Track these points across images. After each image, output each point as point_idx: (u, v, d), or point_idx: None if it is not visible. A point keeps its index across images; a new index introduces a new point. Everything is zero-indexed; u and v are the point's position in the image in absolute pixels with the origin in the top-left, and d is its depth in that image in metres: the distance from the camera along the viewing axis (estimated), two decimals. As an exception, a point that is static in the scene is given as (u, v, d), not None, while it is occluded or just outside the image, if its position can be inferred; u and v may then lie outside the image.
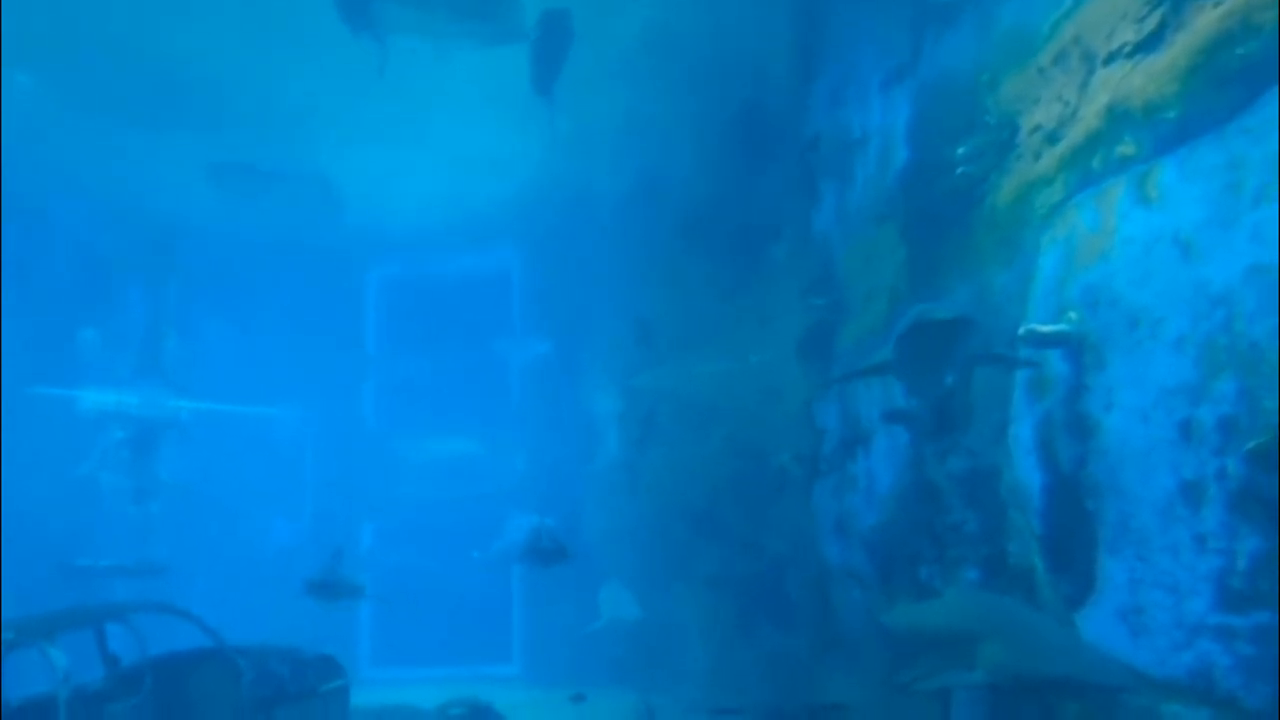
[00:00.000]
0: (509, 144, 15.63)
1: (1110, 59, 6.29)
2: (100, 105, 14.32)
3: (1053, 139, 6.90)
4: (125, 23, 12.50)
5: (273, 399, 19.83)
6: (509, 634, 18.57)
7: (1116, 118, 6.11)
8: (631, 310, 15.98)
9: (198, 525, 18.18)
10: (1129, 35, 6.08)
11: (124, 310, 18.79)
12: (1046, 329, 6.40)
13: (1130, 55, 6.06)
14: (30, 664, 7.94)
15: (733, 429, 13.29)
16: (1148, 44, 5.91)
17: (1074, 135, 6.62)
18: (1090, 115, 6.41)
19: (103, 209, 17.16)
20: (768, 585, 12.25)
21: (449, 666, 17.40)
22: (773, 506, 12.22)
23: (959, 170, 7.90)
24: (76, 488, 17.14)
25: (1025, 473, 6.83)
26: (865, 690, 9.12)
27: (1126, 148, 6.00)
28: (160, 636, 8.91)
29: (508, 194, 17.24)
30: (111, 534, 17.52)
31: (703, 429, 13.87)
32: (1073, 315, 6.32)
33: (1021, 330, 6.56)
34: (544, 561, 11.12)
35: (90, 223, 17.36)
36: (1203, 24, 5.45)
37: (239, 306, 19.21)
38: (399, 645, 18.64)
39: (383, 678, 17.71)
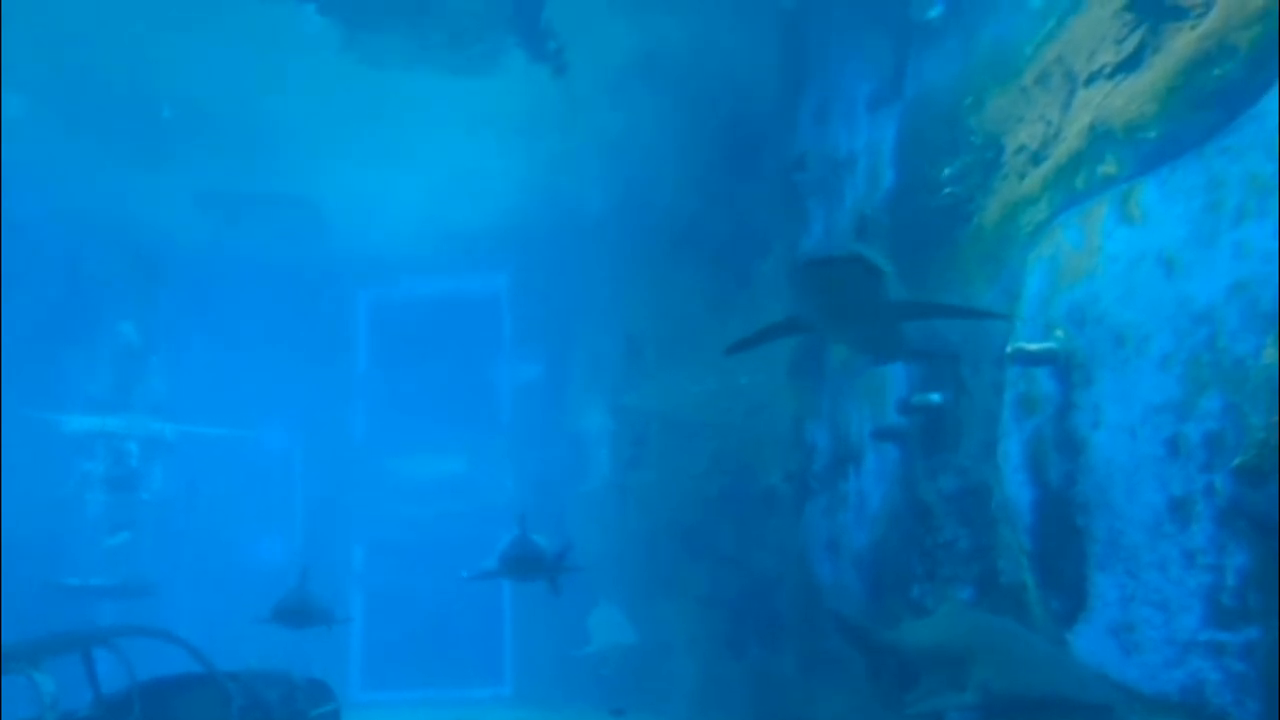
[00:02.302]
0: (497, 164, 15.70)
1: (1091, 80, 6.37)
2: (90, 129, 14.34)
3: (1037, 159, 6.97)
4: (115, 49, 12.54)
5: (263, 419, 19.76)
6: (500, 655, 18.48)
7: (1098, 137, 6.18)
8: (620, 329, 16.01)
9: (186, 546, 18.09)
10: (1109, 56, 6.16)
11: (111, 332, 18.73)
12: (1034, 347, 6.44)
13: (1111, 76, 6.14)
14: (17, 690, 7.87)
15: (722, 448, 13.30)
16: (1127, 65, 5.99)
17: (1058, 155, 6.69)
18: (1073, 135, 6.49)
19: (91, 231, 17.14)
20: (757, 604, 12.23)
21: (441, 689, 17.30)
22: (763, 525, 12.22)
23: (945, 190, 7.97)
24: (62, 508, 17.04)
25: (1015, 490, 6.86)
26: (855, 709, 9.09)
27: (1109, 167, 6.07)
28: (148, 661, 8.83)
29: (496, 214, 17.28)
30: (99, 554, 17.40)
31: (692, 448, 13.87)
32: (1059, 333, 6.36)
33: (1009, 348, 6.61)
34: (523, 573, 10.53)
35: (78, 245, 17.34)
36: (1180, 45, 5.52)
37: (229, 328, 19.16)
38: (390, 668, 18.52)
39: (374, 701, 17.58)
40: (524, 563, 10.36)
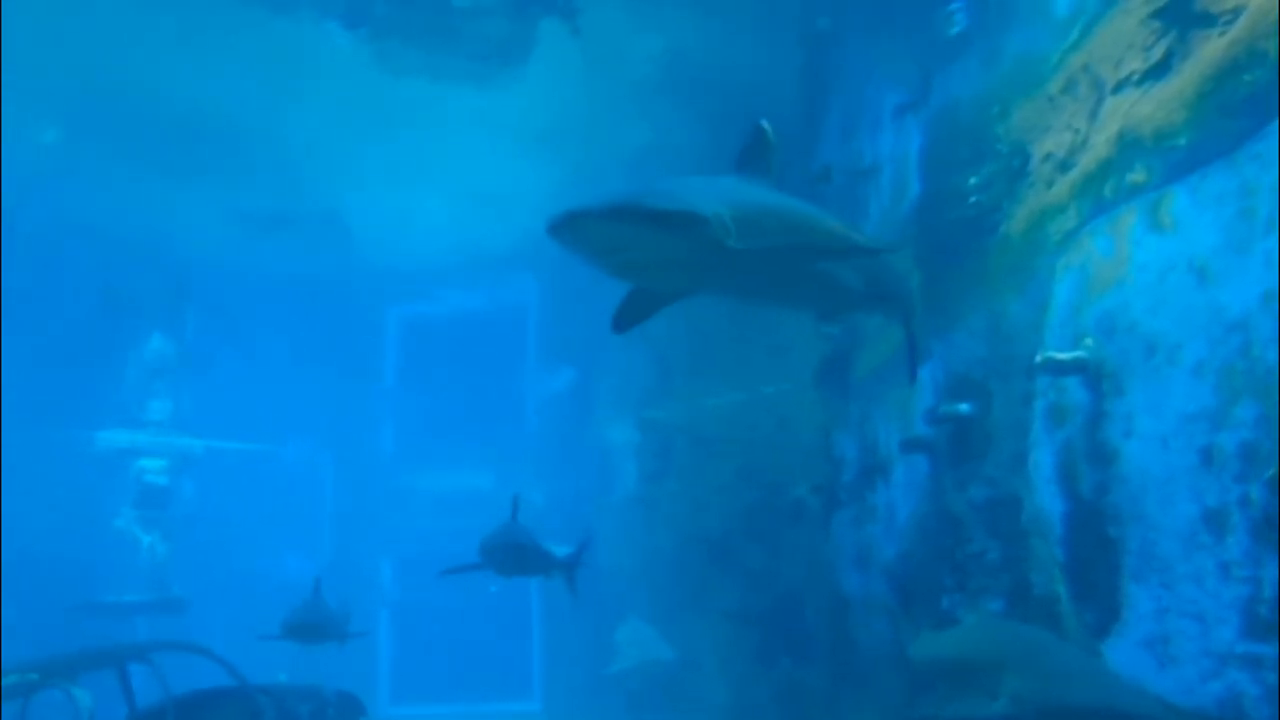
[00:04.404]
0: (523, 178, 15.79)
1: (1119, 87, 6.34)
2: (121, 152, 14.58)
3: (1064, 167, 6.93)
4: (144, 70, 12.77)
5: (292, 435, 19.94)
6: (529, 669, 18.49)
7: (1127, 145, 6.14)
8: (646, 342, 16.02)
9: (216, 561, 18.26)
10: (1136, 64, 6.13)
11: (143, 349, 18.98)
12: (1064, 356, 6.40)
13: (1139, 83, 6.11)
14: (54, 705, 7.98)
15: (749, 460, 13.27)
16: (1155, 72, 5.96)
17: (1085, 163, 6.65)
18: (1101, 143, 6.45)
19: (122, 250, 17.40)
20: (786, 617, 12.17)
21: (469, 703, 17.33)
22: (790, 538, 12.18)
23: (972, 199, 7.94)
24: (94, 524, 17.26)
25: (1046, 501, 6.80)
26: (887, 722, 9.03)
27: (1138, 175, 6.03)
28: (181, 675, 8.93)
29: (523, 228, 17.33)
30: (132, 570, 17.60)
31: (718, 461, 13.85)
32: (1089, 342, 6.31)
33: (1039, 358, 6.57)
34: (509, 566, 8.97)
35: (110, 264, 17.60)
36: (1209, 52, 5.49)
37: (258, 343, 19.38)
38: (420, 681, 18.57)
39: (403, 715, 17.64)
40: (508, 552, 8.92)
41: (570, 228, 4.38)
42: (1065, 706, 5.33)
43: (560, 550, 9.90)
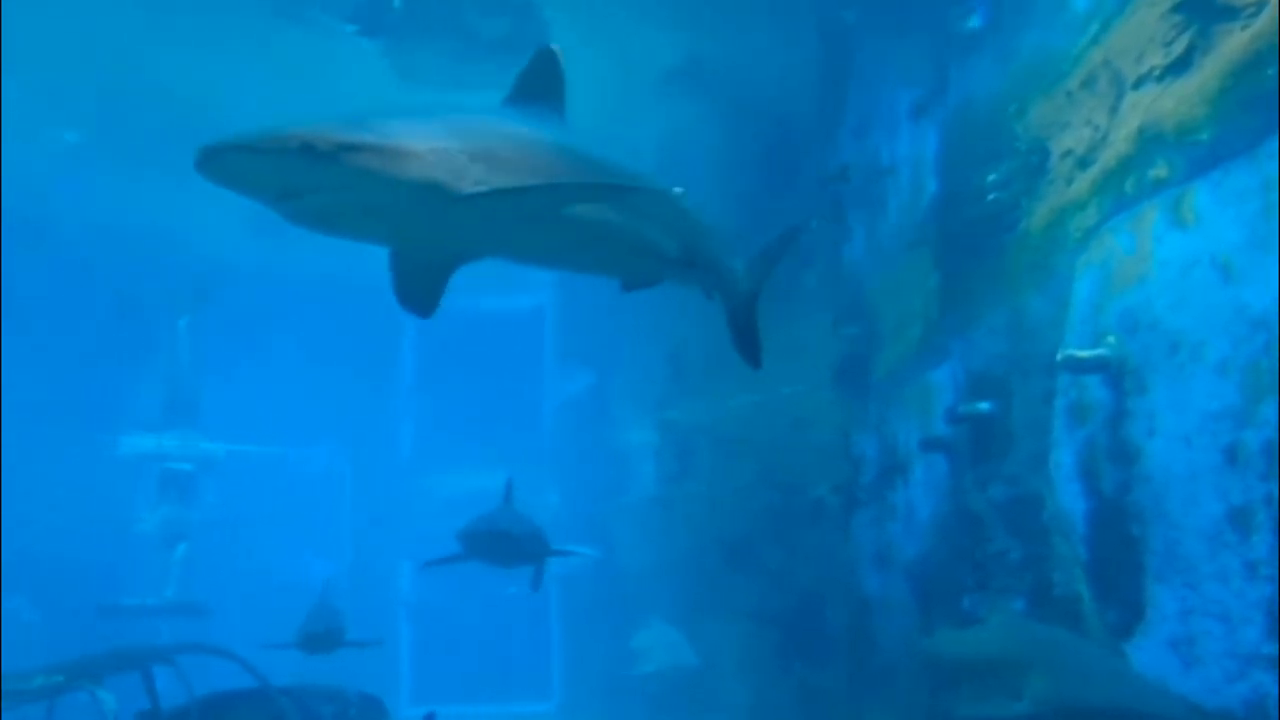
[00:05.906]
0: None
1: (1139, 83, 6.28)
2: (141, 156, 14.69)
3: (1084, 163, 6.88)
4: (164, 76, 12.88)
5: (311, 437, 20.04)
6: (548, 669, 18.53)
7: (1148, 141, 6.09)
8: (664, 343, 16.02)
9: (237, 563, 18.37)
10: (1157, 59, 6.07)
11: (163, 352, 19.12)
12: (1085, 354, 6.36)
13: (1159, 79, 6.05)
14: (79, 707, 8.06)
15: (768, 461, 13.25)
16: (1176, 67, 5.90)
17: (1106, 159, 6.60)
18: (1121, 139, 6.40)
19: (142, 254, 17.53)
20: (806, 618, 12.14)
21: (489, 704, 17.37)
22: (810, 538, 12.14)
23: (990, 196, 7.90)
24: (116, 528, 17.39)
25: (1068, 500, 6.75)
26: (908, 724, 8.99)
27: (1159, 171, 5.98)
28: (203, 677, 8.99)
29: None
30: (153, 573, 17.74)
31: (738, 461, 13.83)
32: (1111, 340, 6.26)
33: (1060, 356, 6.53)
34: (493, 555, 8.30)
35: (130, 267, 17.74)
36: (1231, 47, 5.43)
37: (277, 346, 19.49)
38: (440, 683, 18.63)
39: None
40: (490, 540, 8.31)
41: (211, 163, 3.57)
42: (1088, 707, 5.30)
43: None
